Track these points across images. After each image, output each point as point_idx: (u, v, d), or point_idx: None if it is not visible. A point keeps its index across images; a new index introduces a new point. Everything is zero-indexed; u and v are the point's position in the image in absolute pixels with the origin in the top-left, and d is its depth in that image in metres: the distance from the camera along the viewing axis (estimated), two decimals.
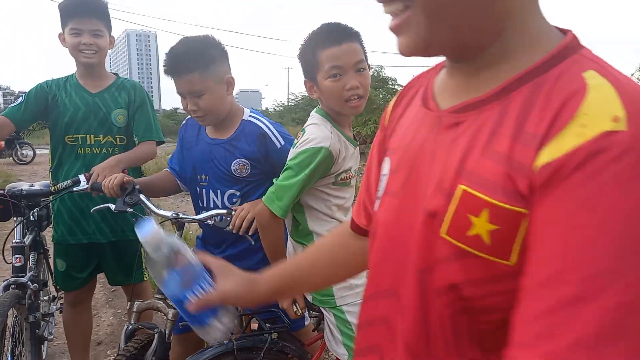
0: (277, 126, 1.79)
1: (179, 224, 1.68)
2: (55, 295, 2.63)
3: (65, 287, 2.30)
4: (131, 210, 1.70)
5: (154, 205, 1.70)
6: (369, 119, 15.84)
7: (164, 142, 2.33)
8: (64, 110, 2.17)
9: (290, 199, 1.44)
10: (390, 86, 18.32)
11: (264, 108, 71.06)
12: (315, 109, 1.61)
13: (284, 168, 1.49)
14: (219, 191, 1.78)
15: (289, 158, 1.50)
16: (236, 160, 1.74)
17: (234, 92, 1.79)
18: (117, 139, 2.22)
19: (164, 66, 1.69)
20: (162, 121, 30.27)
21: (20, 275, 1.96)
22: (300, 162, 1.44)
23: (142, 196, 1.71)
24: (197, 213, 1.82)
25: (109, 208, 1.73)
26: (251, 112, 1.82)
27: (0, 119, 2.15)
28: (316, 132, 1.47)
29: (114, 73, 2.34)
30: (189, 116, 1.82)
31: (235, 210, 1.65)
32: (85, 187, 1.90)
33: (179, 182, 1.95)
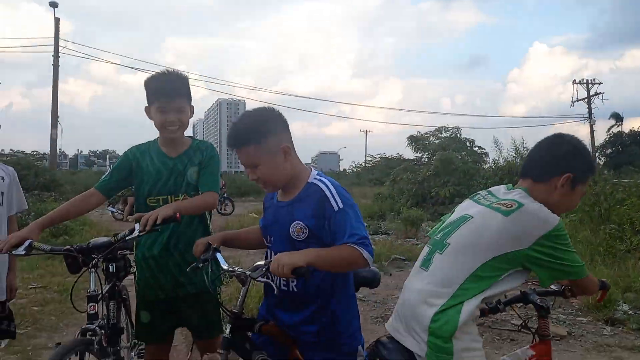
0: (339, 188, 1.77)
1: (242, 280, 1.77)
2: (136, 343, 2.76)
3: (145, 339, 2.40)
4: (201, 265, 1.83)
5: (224, 261, 1.84)
6: (447, 180, 15.52)
7: (219, 196, 2.45)
8: (147, 174, 2.33)
9: None
10: (469, 148, 17.97)
11: (342, 169, 72.24)
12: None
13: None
14: (278, 252, 1.77)
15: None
16: (295, 223, 1.76)
17: (314, 154, 1.90)
18: (193, 195, 2.33)
19: (227, 137, 1.83)
20: (247, 181, 31.61)
21: (92, 322, 2.04)
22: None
23: (218, 254, 1.87)
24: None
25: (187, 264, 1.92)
26: (317, 174, 1.84)
27: (92, 191, 2.37)
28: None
29: (189, 136, 2.48)
30: None
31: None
32: (137, 234, 2.02)
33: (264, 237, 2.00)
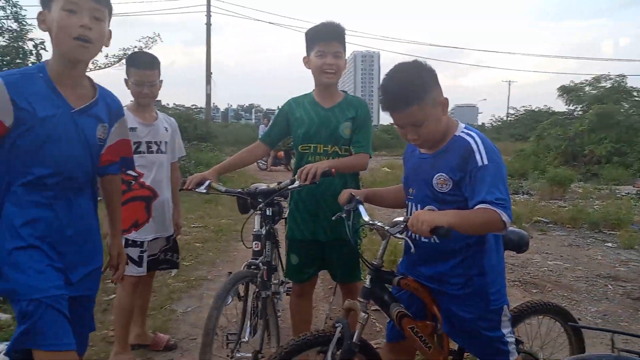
0: (487, 143, 1.70)
1: (383, 233, 1.81)
2: (283, 280, 3.09)
3: (294, 278, 2.66)
4: (344, 215, 1.90)
5: (365, 213, 1.89)
6: (605, 137, 13.74)
7: (371, 157, 2.54)
8: (301, 123, 2.51)
9: None
10: (637, 98, 15.57)
11: (480, 123, 67.94)
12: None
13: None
14: (419, 205, 1.83)
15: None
16: (438, 175, 1.75)
17: (449, 108, 1.81)
18: (342, 149, 2.49)
19: (380, 102, 1.76)
20: (380, 135, 31.85)
21: (256, 258, 2.33)
22: None
23: (360, 206, 1.92)
24: None
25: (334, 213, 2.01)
26: (465, 127, 1.80)
27: (257, 143, 2.69)
28: None
29: (343, 91, 2.61)
30: None
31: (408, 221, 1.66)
32: (297, 184, 2.28)
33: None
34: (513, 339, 1.83)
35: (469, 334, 1.83)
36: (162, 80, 2.79)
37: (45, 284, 1.54)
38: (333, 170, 2.25)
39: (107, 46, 1.74)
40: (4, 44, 12.17)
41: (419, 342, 1.80)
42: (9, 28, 12.41)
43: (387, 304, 1.83)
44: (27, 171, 1.58)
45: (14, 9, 12.33)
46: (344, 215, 1.91)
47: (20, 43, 12.26)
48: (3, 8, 12.24)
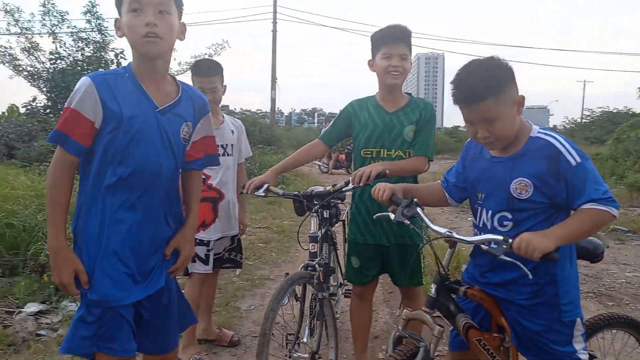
0: (570, 141, 1.63)
1: (451, 242, 1.72)
2: (342, 282, 3.11)
3: (354, 281, 2.64)
4: (408, 222, 1.76)
5: (430, 220, 1.75)
6: None
7: (432, 161, 2.48)
8: (364, 126, 2.49)
9: None
10: None
11: (551, 126, 64.59)
12: None
13: None
14: (490, 211, 1.74)
15: None
16: (517, 180, 1.65)
17: None
18: (407, 153, 2.44)
19: (452, 95, 1.67)
20: (443, 138, 31.08)
21: (313, 259, 2.35)
22: None
23: (419, 210, 1.76)
24: (475, 232, 1.83)
25: (389, 217, 1.85)
26: (541, 128, 1.72)
27: (316, 141, 2.69)
28: None
29: (407, 93, 2.57)
30: None
31: (512, 239, 1.54)
32: (351, 187, 2.26)
33: (447, 196, 1.98)
34: (586, 356, 1.73)
35: (539, 348, 1.74)
36: (225, 86, 2.86)
37: (118, 293, 1.58)
38: (387, 172, 2.21)
39: (181, 39, 1.75)
40: (89, 54, 13.20)
41: (486, 354, 1.71)
42: (94, 39, 13.44)
43: (453, 315, 1.75)
44: (113, 172, 1.60)
45: (98, 21, 13.34)
46: (406, 221, 1.76)
47: (102, 53, 13.26)
48: (89, 21, 13.29)
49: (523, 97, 1.65)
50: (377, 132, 2.46)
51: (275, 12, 25.10)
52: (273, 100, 24.97)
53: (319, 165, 15.51)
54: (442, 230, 1.70)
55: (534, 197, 1.63)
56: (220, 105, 2.92)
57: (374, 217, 2.02)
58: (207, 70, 2.76)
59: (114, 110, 1.58)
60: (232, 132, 2.93)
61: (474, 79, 1.61)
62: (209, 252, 2.79)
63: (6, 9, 13.21)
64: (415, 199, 1.80)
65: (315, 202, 2.46)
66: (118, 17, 1.66)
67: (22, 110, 13.60)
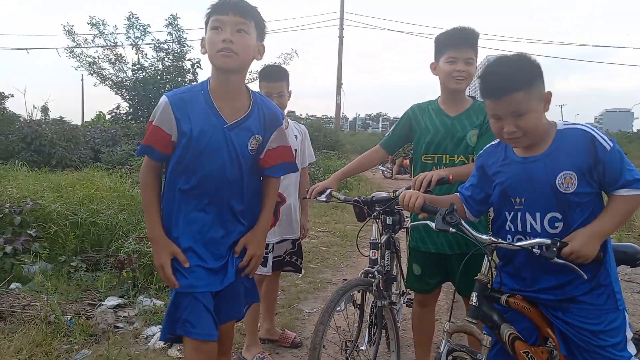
0: (598, 129, 1.65)
1: (490, 249, 1.69)
2: (404, 291, 3.07)
3: (416, 288, 2.61)
4: (453, 230, 1.71)
5: (471, 228, 1.73)
6: None
7: None
8: (425, 131, 2.44)
9: None
10: None
11: (635, 130, 59.79)
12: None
13: None
14: (538, 214, 1.69)
15: None
16: (562, 174, 1.62)
17: (598, 113, 1.76)
18: (470, 158, 2.37)
19: (482, 89, 1.68)
20: None
21: (373, 266, 2.31)
22: None
23: (459, 218, 1.72)
24: (510, 239, 1.78)
25: (429, 225, 1.81)
26: (564, 122, 1.71)
27: (377, 148, 2.67)
28: None
29: (470, 96, 2.49)
30: (490, 144, 1.89)
31: (562, 241, 1.57)
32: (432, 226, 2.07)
33: (466, 210, 1.95)
34: None
35: (592, 355, 1.65)
36: (291, 91, 2.92)
37: (197, 282, 1.79)
38: (450, 177, 2.16)
39: (258, 59, 1.89)
40: (168, 63, 14.02)
41: None
42: (173, 50, 14.25)
43: (497, 325, 1.70)
44: (187, 180, 1.81)
45: (178, 33, 14.15)
46: (451, 229, 1.72)
47: (180, 63, 14.04)
48: (170, 33, 14.15)
49: (550, 94, 1.64)
50: (439, 137, 2.40)
51: (342, 18, 25.31)
52: (338, 106, 25.15)
53: (382, 171, 15.41)
54: (485, 237, 1.71)
55: (580, 188, 1.61)
56: (286, 111, 2.98)
57: (409, 225, 2.01)
58: (274, 75, 2.83)
59: (186, 127, 1.77)
60: (296, 137, 2.98)
61: (505, 72, 1.61)
62: (267, 255, 2.82)
63: (92, 21, 14.29)
64: (456, 206, 1.75)
65: (376, 208, 2.45)
66: (204, 36, 1.83)
67: (108, 117, 14.66)
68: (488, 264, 1.74)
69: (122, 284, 3.77)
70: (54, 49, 15.21)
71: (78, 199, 4.81)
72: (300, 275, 4.39)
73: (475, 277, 1.74)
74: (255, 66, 10.55)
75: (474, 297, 1.72)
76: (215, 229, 1.85)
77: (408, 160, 15.33)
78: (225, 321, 1.94)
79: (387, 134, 2.69)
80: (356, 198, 2.55)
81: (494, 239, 1.70)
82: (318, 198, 2.51)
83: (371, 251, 2.38)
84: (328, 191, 2.50)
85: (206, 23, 1.81)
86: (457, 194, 2.00)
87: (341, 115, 27.36)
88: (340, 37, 25.34)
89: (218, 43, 1.74)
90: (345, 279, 2.36)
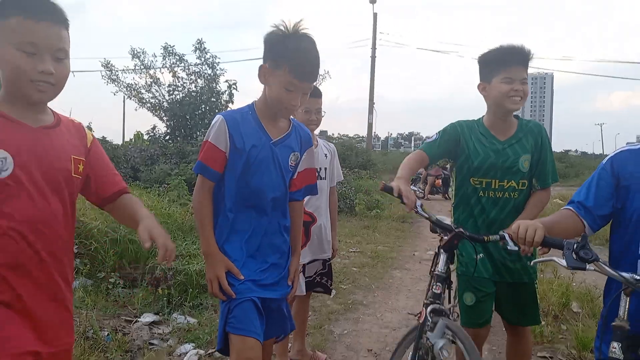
0: None
1: (630, 289, 1.46)
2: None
3: (470, 323, 2.29)
4: (592, 269, 1.49)
5: (608, 264, 1.53)
6: None
7: (557, 182, 2.34)
8: (474, 154, 2.33)
9: None
10: None
11: None
12: None
13: None
14: None
15: None
16: None
17: None
18: (520, 183, 2.30)
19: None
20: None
21: (436, 301, 2.01)
22: None
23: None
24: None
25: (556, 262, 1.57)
26: None
27: (418, 152, 2.42)
28: None
29: (515, 116, 2.40)
30: (622, 148, 1.74)
31: None
32: (515, 249, 1.76)
33: (586, 224, 1.72)
34: None
35: None
36: (325, 112, 2.98)
37: (249, 292, 1.89)
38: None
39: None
40: (202, 86, 14.65)
41: None
42: (205, 72, 14.99)
43: None
44: (237, 192, 1.93)
45: (207, 56, 15.03)
46: (587, 267, 1.50)
47: (213, 85, 14.69)
48: (199, 57, 15.06)
49: None
50: (489, 162, 2.32)
51: (374, 38, 25.52)
52: (370, 125, 25.19)
53: (414, 190, 15.24)
54: (628, 275, 1.46)
55: None
56: (319, 130, 3.03)
57: (532, 262, 1.82)
58: (314, 91, 2.79)
59: (239, 143, 1.91)
60: (326, 155, 3.00)
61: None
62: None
63: (133, 52, 15.30)
64: (588, 239, 1.51)
65: (447, 236, 2.07)
66: (263, 63, 1.95)
67: (145, 137, 15.33)
68: (626, 306, 1.50)
69: (158, 301, 3.86)
70: (98, 72, 16.38)
71: None
72: (331, 295, 4.37)
73: (614, 324, 1.49)
74: None
75: (616, 348, 1.47)
76: (260, 238, 1.96)
77: (440, 181, 15.12)
78: (268, 337, 1.99)
79: (430, 140, 2.45)
80: (448, 224, 2.10)
81: (638, 277, 1.45)
82: (417, 211, 2.10)
83: (436, 284, 2.05)
84: (419, 203, 2.14)
85: (279, 62, 1.87)
86: (569, 207, 1.77)
87: (373, 134, 27.36)
88: (373, 57, 25.50)
89: (287, 101, 1.90)
90: (411, 314, 2.10)
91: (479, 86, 2.39)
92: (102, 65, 15.83)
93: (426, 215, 2.07)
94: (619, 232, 1.70)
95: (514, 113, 2.39)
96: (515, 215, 2.29)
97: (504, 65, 2.27)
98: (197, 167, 1.96)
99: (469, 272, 2.26)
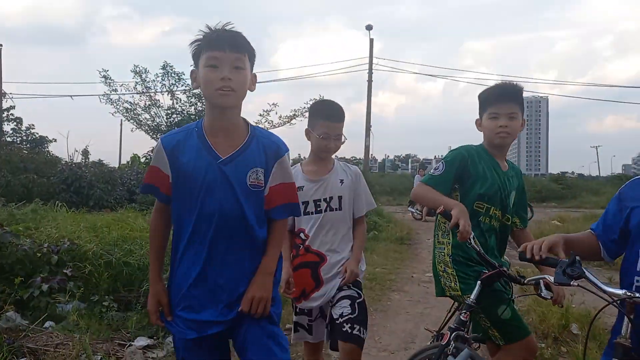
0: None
1: (629, 305, 1.48)
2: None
3: (516, 337, 2.22)
4: (576, 284, 1.51)
5: (599, 280, 1.52)
6: None
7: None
8: (483, 179, 2.32)
9: None
10: None
11: None
12: None
13: None
14: None
15: None
16: None
17: (635, 154, 1.72)
18: (505, 218, 2.37)
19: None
20: (548, 185, 29.11)
21: (462, 328, 2.03)
22: None
23: (585, 269, 1.52)
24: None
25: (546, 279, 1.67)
26: None
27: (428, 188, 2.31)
28: None
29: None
30: (635, 177, 1.76)
31: None
32: (548, 297, 1.86)
33: (602, 250, 1.78)
34: None
35: None
36: (346, 138, 2.56)
37: (184, 330, 1.78)
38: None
39: (251, 90, 1.82)
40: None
41: None
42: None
43: None
44: (187, 218, 1.75)
45: None
46: (572, 283, 1.51)
47: None
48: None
49: None
50: (494, 189, 2.33)
51: (371, 62, 25.85)
52: (367, 147, 25.29)
53: (412, 212, 15.27)
54: (619, 291, 1.49)
55: None
56: (334, 155, 2.62)
57: (526, 281, 1.89)
58: (336, 115, 2.49)
59: (179, 165, 1.76)
60: (341, 182, 2.53)
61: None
62: (311, 322, 2.56)
63: (136, 70, 15.23)
64: (578, 257, 1.54)
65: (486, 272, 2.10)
66: (194, 68, 1.80)
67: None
68: (628, 324, 1.50)
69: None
70: (96, 96, 16.12)
71: (113, 239, 4.94)
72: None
73: (616, 341, 1.51)
74: (284, 110, 10.82)
75: None
76: (217, 278, 1.75)
77: None
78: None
79: (436, 173, 2.35)
80: (494, 262, 2.12)
81: (629, 294, 1.46)
82: (470, 243, 2.11)
83: (464, 312, 2.06)
84: (472, 235, 2.12)
85: (196, 55, 1.76)
86: (590, 230, 1.84)
87: (370, 156, 27.48)
88: (369, 81, 25.78)
89: (216, 81, 1.70)
90: (427, 329, 2.17)
91: (475, 122, 2.49)
92: (100, 75, 15.46)
93: (477, 248, 2.11)
94: (625, 251, 1.74)
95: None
96: (502, 247, 2.43)
97: (490, 102, 2.37)
98: (142, 188, 1.91)
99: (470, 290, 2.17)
